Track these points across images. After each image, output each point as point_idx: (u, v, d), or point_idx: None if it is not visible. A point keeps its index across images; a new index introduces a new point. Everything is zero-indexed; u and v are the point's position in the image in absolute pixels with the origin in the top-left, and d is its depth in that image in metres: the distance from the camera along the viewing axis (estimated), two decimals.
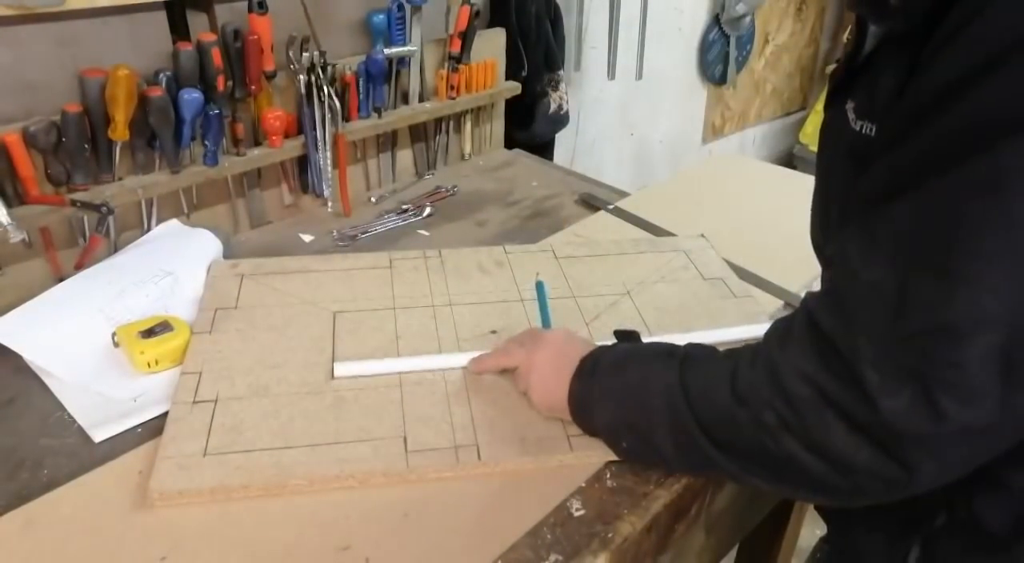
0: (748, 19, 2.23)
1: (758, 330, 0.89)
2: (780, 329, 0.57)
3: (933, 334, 0.46)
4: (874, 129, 0.55)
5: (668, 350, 0.66)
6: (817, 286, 0.73)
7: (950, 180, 0.45)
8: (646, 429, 0.63)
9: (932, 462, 0.49)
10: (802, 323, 0.53)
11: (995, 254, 0.44)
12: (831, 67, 0.67)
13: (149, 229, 1.02)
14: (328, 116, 1.11)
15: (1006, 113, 0.43)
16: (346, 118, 1.16)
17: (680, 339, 0.88)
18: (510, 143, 1.48)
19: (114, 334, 0.82)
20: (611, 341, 0.75)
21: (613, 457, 0.72)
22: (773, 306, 0.97)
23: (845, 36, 0.66)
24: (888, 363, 0.47)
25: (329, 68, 1.10)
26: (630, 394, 0.64)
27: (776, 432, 0.53)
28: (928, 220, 0.46)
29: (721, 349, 0.64)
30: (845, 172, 0.59)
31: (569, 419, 0.71)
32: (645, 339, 0.78)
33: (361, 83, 1.16)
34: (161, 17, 0.96)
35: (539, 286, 0.91)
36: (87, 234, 0.97)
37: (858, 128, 0.57)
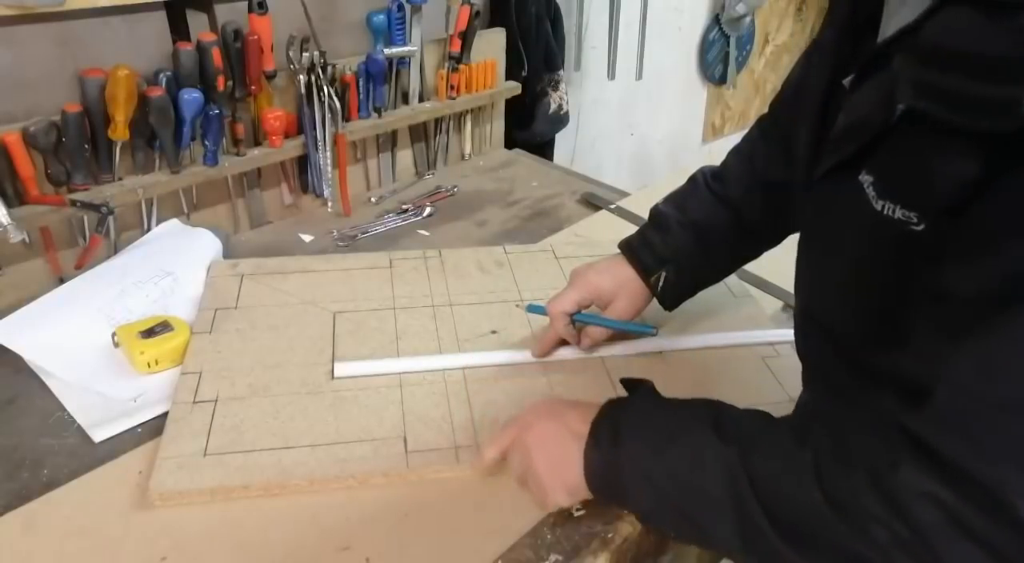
0: (748, 19, 2.23)
1: (760, 336, 0.89)
2: (872, 442, 0.50)
3: None
4: (915, 217, 0.48)
5: (703, 418, 0.57)
6: None
7: None
8: (706, 521, 0.55)
9: None
10: (911, 446, 0.47)
11: None
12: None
13: (149, 229, 1.02)
14: (328, 116, 1.11)
15: None
16: (346, 118, 1.16)
17: (685, 343, 0.88)
18: (510, 143, 1.48)
19: (114, 334, 0.82)
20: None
21: None
22: (773, 307, 0.97)
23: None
24: None
25: (329, 68, 1.10)
26: (679, 479, 0.56)
27: (888, 549, 0.48)
28: None
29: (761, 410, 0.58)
30: (872, 256, 0.53)
31: (588, 497, 0.63)
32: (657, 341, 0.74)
33: (361, 83, 1.16)
34: (161, 17, 0.96)
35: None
36: (87, 234, 0.97)
37: (883, 210, 0.49)
